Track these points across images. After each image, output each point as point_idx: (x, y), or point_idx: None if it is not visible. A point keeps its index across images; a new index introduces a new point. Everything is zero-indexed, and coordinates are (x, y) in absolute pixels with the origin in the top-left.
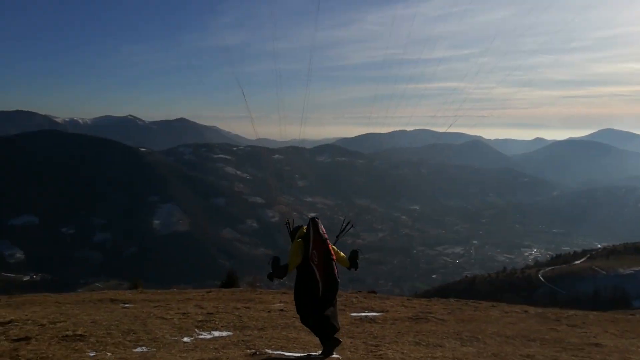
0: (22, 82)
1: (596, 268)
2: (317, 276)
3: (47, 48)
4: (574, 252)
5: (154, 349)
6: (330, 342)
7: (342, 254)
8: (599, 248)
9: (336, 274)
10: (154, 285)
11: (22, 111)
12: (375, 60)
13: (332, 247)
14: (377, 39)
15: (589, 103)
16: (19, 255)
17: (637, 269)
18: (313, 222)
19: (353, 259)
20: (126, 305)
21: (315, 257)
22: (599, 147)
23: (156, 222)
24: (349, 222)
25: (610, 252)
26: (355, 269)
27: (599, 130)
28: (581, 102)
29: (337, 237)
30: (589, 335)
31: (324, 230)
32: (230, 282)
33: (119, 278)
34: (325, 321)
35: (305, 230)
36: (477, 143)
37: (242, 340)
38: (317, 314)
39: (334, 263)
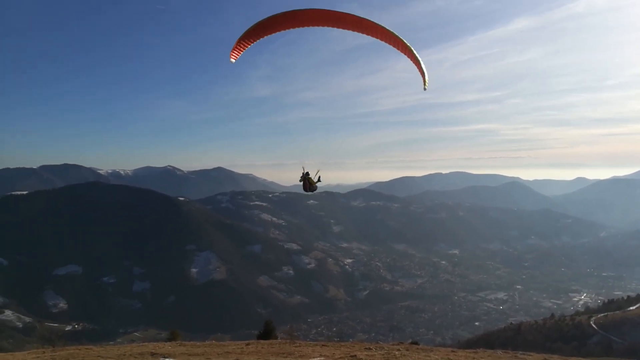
0: (69, 138)
1: None
2: (305, 184)
3: (90, 104)
4: (628, 296)
5: None
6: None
7: (315, 182)
8: None
9: (307, 186)
10: (191, 334)
11: (68, 164)
12: (406, 106)
13: (310, 179)
14: (407, 85)
15: (630, 140)
16: (62, 304)
17: None
18: (307, 173)
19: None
20: (166, 359)
21: (306, 182)
22: None
23: (193, 270)
24: (318, 170)
25: None
26: (318, 180)
27: None
28: (622, 140)
29: (317, 175)
30: None
31: (310, 176)
32: (267, 332)
33: (157, 327)
34: (307, 189)
35: (305, 172)
36: (515, 184)
37: None
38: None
39: (308, 182)
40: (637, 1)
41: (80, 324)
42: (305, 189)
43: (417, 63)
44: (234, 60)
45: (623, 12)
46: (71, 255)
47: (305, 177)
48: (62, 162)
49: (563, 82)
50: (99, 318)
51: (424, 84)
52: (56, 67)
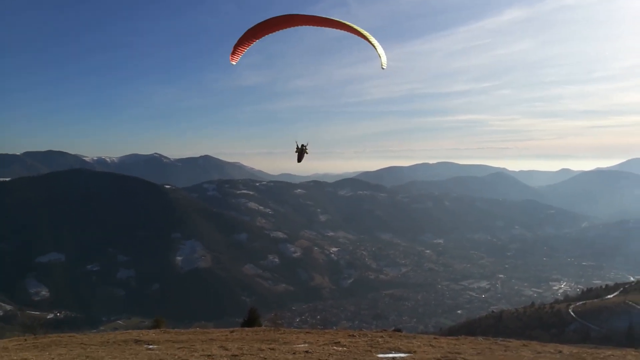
0: (53, 124)
1: (630, 302)
2: (299, 155)
3: (76, 90)
4: (606, 285)
5: None
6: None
7: (305, 151)
8: (633, 281)
9: (302, 157)
10: (176, 322)
11: (53, 151)
12: (396, 95)
13: (305, 149)
14: (397, 74)
15: (615, 132)
16: (44, 292)
17: None
18: (302, 145)
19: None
20: (150, 346)
21: (301, 153)
22: (629, 176)
23: (178, 258)
24: (308, 143)
25: None
26: (305, 151)
27: (627, 160)
28: (607, 132)
29: (304, 146)
30: None
31: (305, 147)
32: (251, 320)
33: (141, 315)
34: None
35: (300, 145)
36: (501, 175)
37: None
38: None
39: (304, 153)
40: None
41: (62, 312)
42: (299, 160)
43: (374, 46)
44: (234, 63)
45: (613, 5)
46: (54, 242)
47: (302, 150)
48: (47, 149)
49: (552, 73)
50: (81, 306)
51: (382, 64)
52: (42, 54)
